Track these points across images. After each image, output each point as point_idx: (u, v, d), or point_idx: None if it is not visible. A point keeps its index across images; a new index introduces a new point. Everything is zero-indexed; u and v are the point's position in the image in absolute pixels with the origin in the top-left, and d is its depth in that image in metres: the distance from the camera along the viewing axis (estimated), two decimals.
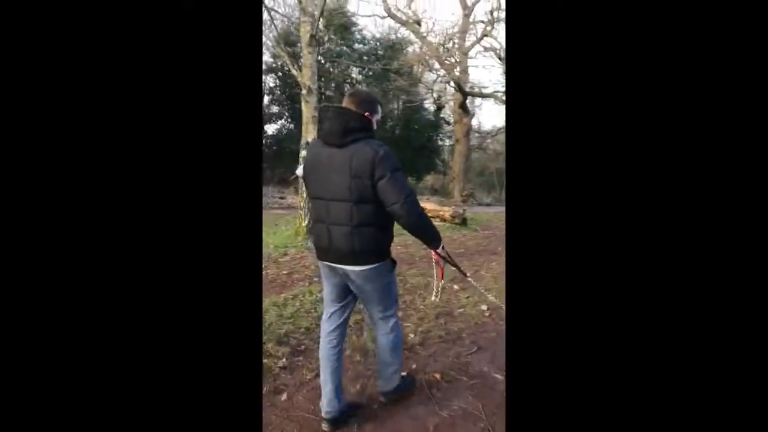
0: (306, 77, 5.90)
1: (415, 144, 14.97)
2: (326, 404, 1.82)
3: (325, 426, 1.82)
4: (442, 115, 16.97)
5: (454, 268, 2.01)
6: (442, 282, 2.06)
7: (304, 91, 5.92)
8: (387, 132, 14.07)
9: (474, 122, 17.83)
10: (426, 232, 1.75)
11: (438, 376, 2.28)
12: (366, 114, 1.71)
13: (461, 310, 3.35)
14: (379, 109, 1.79)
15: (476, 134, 18.50)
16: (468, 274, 2.21)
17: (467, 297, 3.58)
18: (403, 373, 2.06)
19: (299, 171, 1.90)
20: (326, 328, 1.89)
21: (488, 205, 13.62)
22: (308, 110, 5.94)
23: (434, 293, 2.17)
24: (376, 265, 1.72)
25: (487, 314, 3.27)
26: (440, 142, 17.54)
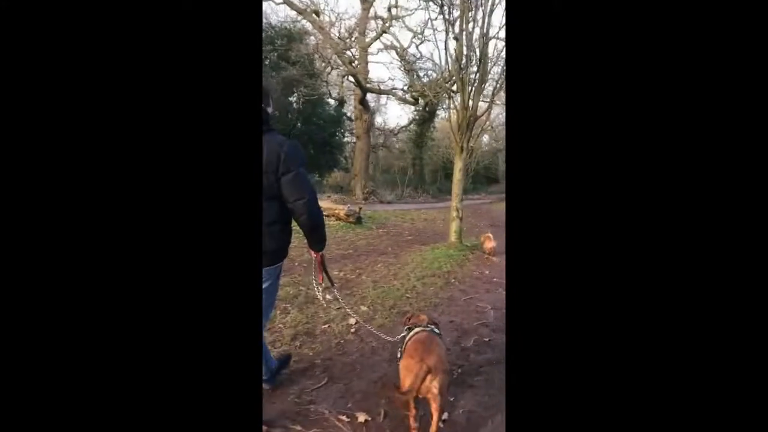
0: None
1: (317, 140, 14.38)
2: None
3: (266, 385, 2.00)
4: (344, 111, 16.57)
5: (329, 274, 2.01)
6: (322, 285, 2.04)
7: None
8: (287, 126, 13.28)
9: (379, 120, 17.73)
10: (319, 233, 1.74)
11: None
12: (261, 106, 1.61)
13: (326, 326, 2.95)
14: (271, 101, 1.72)
15: (379, 132, 18.45)
16: (335, 285, 2.17)
17: (337, 308, 3.19)
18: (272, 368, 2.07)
19: None
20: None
21: (389, 203, 13.53)
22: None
23: (317, 291, 2.19)
24: (278, 265, 1.71)
25: (353, 329, 2.91)
26: (344, 139, 17.14)
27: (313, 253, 1.85)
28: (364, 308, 2.49)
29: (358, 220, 7.72)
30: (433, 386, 1.54)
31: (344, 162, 17.80)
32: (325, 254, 1.89)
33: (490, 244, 5.84)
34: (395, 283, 4.20)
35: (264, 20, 11.97)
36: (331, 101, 16.01)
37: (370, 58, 13.70)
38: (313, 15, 12.51)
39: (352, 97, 15.18)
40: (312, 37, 13.22)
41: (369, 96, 14.06)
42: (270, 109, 1.69)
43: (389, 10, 12.69)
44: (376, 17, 13.50)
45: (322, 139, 14.73)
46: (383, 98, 17.32)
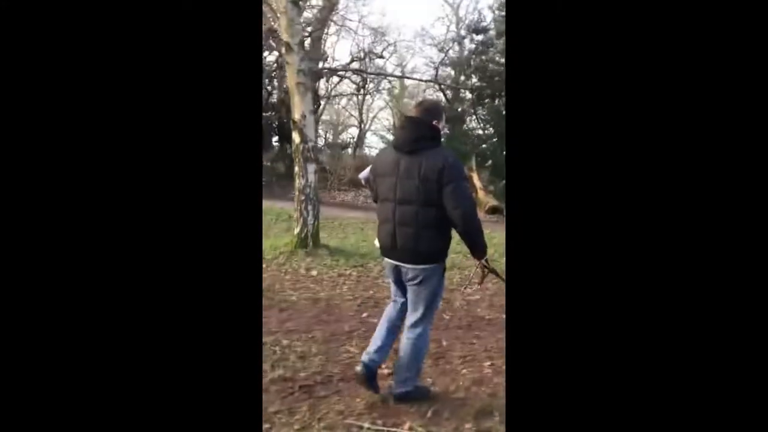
0: (285, 31, 4.32)
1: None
2: (367, 355, 1.97)
3: (358, 367, 1.98)
4: None
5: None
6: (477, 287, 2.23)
7: (283, 51, 4.42)
8: None
9: None
10: (474, 240, 1.88)
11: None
12: (434, 122, 1.88)
13: None
14: (444, 116, 1.98)
15: None
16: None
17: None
18: (418, 384, 2.04)
19: (363, 174, 2.13)
20: (389, 310, 2.07)
21: None
22: (292, 74, 4.37)
23: (468, 285, 2.46)
24: (434, 265, 1.88)
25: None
26: None
27: (478, 261, 2.02)
28: None
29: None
30: None
31: None
32: (488, 259, 2.01)
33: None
34: None
35: None
36: None
37: None
38: None
39: None
40: None
41: None
42: (443, 124, 1.95)
43: None
44: None
45: None
46: None
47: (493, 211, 8.89)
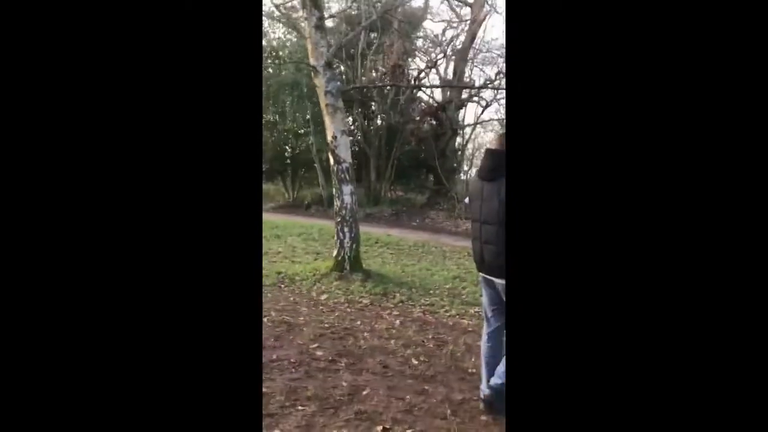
0: (311, 55, 4.36)
1: None
2: (482, 388, 2.18)
3: (481, 405, 2.18)
4: None
5: None
6: None
7: (312, 74, 4.50)
8: None
9: None
10: None
11: None
12: None
13: None
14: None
15: None
16: None
17: None
18: None
19: (466, 200, 2.39)
20: (485, 328, 2.27)
21: None
22: (321, 96, 4.40)
23: None
24: (492, 278, 2.07)
25: None
26: None
27: None
28: None
29: None
30: None
31: None
32: None
33: None
34: None
35: None
36: None
37: None
38: None
39: None
40: None
41: None
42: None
43: None
44: None
45: None
46: None
47: None
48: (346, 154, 4.48)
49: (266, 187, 12.00)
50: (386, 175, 11.41)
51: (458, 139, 12.49)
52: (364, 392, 2.32)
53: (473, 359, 2.82)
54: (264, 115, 10.03)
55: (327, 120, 4.39)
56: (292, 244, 6.25)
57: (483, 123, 12.80)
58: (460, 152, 12.82)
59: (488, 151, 2.19)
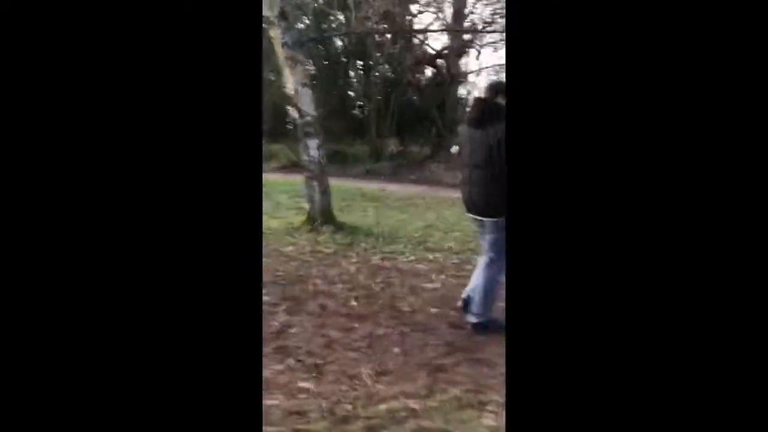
0: (265, 4, 4.13)
1: None
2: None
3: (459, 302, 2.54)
4: None
5: None
6: None
7: (265, 25, 4.26)
8: None
9: None
10: None
11: None
12: (497, 100, 2.28)
13: None
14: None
15: None
16: None
17: None
18: (492, 317, 2.41)
19: (454, 149, 3.01)
20: (482, 258, 2.45)
21: None
22: (278, 48, 4.28)
23: None
24: (502, 219, 2.15)
25: None
26: None
27: None
28: None
29: None
30: None
31: None
32: None
33: None
34: None
35: None
36: None
37: None
38: None
39: None
40: None
41: None
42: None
43: None
44: None
45: None
46: None
47: None
48: (309, 107, 4.46)
49: (270, 148, 12.10)
50: (386, 129, 11.27)
51: (463, 89, 12.11)
52: (292, 330, 2.46)
53: (413, 298, 2.92)
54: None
55: (287, 72, 4.35)
56: (277, 200, 6.39)
57: (485, 69, 12.30)
58: (464, 101, 12.45)
59: (476, 100, 2.44)
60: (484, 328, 2.38)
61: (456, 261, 3.71)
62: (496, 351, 2.15)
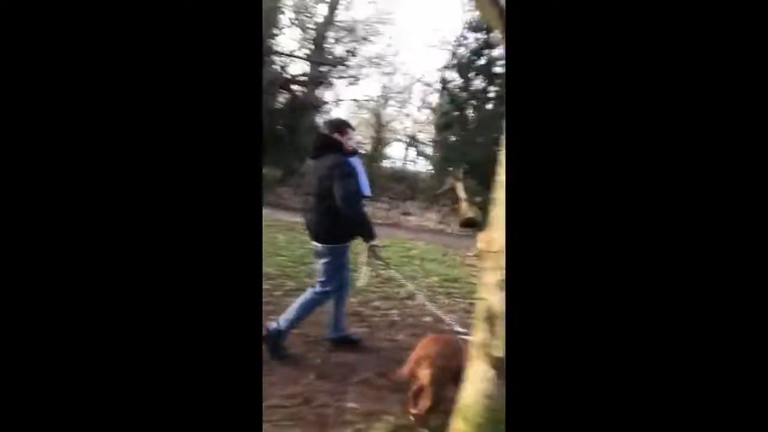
0: None
1: None
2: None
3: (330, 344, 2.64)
4: None
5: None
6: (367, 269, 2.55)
7: None
8: None
9: None
10: (359, 226, 2.41)
11: None
12: (335, 135, 2.49)
13: None
14: (349, 129, 2.56)
15: None
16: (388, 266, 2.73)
17: None
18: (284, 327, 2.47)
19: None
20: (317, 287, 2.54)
21: None
22: None
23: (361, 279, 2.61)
24: (336, 245, 2.41)
25: None
26: None
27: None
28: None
29: None
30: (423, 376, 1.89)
31: None
32: (376, 246, 2.47)
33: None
34: None
35: None
36: None
37: None
38: None
39: None
40: None
41: None
42: (347, 137, 2.50)
43: None
44: None
45: None
46: None
47: (467, 224, 7.81)
48: None
49: None
50: None
51: (320, 118, 12.24)
52: None
53: None
54: None
55: None
56: None
57: (343, 102, 12.74)
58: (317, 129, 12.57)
59: (317, 133, 2.70)
60: (337, 335, 2.63)
61: (267, 286, 3.49)
62: None
